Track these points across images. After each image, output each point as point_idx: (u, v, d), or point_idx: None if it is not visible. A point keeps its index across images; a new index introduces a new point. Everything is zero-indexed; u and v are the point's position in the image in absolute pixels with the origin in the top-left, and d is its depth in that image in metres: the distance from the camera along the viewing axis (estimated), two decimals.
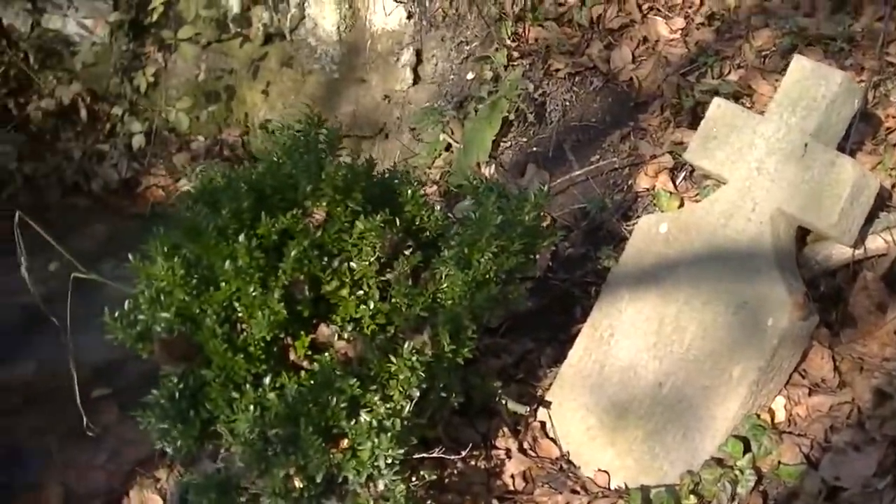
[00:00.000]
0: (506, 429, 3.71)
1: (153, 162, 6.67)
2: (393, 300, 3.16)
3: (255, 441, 2.99)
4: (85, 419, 4.42)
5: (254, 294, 3.03)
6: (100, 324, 4.22)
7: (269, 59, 6.38)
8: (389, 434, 2.95)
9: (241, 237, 3.07)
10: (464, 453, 3.48)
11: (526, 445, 3.71)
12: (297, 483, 2.97)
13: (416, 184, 3.45)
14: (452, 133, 5.20)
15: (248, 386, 3.02)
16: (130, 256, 3.30)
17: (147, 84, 6.56)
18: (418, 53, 5.93)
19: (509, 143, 5.12)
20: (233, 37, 6.62)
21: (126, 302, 3.27)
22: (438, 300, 3.21)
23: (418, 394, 3.08)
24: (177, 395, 3.10)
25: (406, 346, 3.01)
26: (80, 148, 6.63)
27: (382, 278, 3.23)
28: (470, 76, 5.42)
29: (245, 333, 3.08)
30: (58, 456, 4.65)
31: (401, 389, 3.03)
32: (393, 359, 3.03)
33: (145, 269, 3.18)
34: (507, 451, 3.67)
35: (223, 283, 3.10)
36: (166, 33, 6.51)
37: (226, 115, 6.75)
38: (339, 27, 6.20)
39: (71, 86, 6.63)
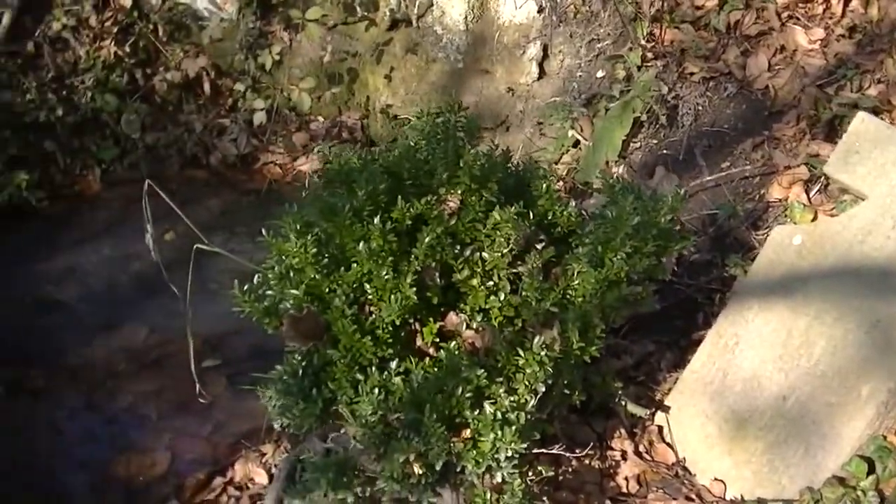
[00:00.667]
0: (622, 430, 3.68)
1: (272, 139, 6.69)
2: (523, 293, 3.10)
3: (375, 424, 2.95)
4: (198, 387, 4.47)
5: (386, 277, 3.01)
6: (211, 295, 4.28)
7: (394, 45, 6.29)
8: (514, 427, 2.90)
9: (377, 220, 3.02)
10: (581, 452, 3.41)
11: (642, 448, 3.67)
12: (416, 469, 2.92)
13: (550, 178, 3.35)
14: (581, 130, 5.10)
15: (373, 369, 2.99)
16: (263, 231, 3.24)
17: (272, 62, 6.54)
18: (545, 48, 5.86)
19: (639, 143, 5.06)
20: (359, 20, 6.61)
21: (254, 277, 3.23)
22: (568, 297, 3.17)
23: (543, 389, 3.01)
24: (300, 372, 3.06)
25: (536, 340, 2.95)
26: (202, 121, 6.67)
27: (513, 271, 3.16)
28: (600, 74, 5.35)
29: (374, 316, 3.04)
30: (165, 422, 4.62)
31: (527, 383, 2.99)
32: (521, 352, 2.97)
33: (278, 245, 3.13)
34: (623, 452, 3.63)
35: (354, 264, 3.07)
36: (294, 13, 6.53)
37: (347, 98, 6.75)
38: (466, 17, 6.15)
39: (197, 59, 6.67)
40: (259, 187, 6.29)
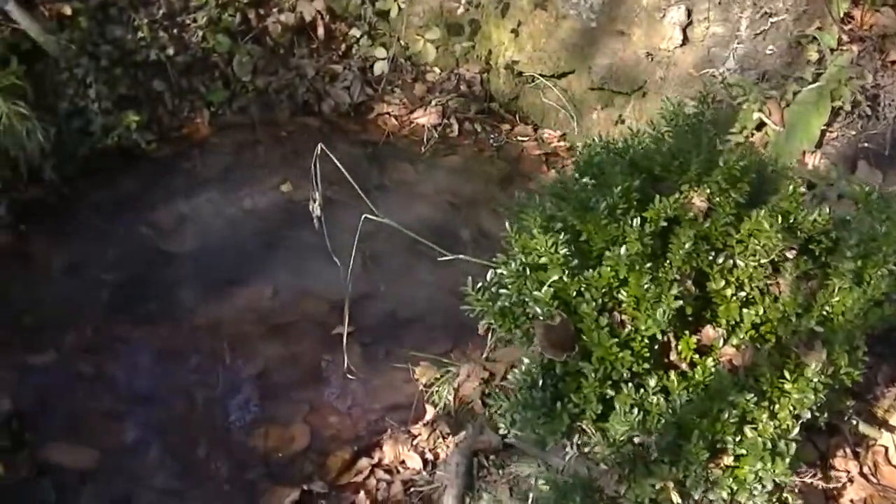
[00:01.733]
0: (846, 449, 3.45)
1: (386, 89, 6.32)
2: (782, 308, 2.83)
3: (624, 444, 2.70)
4: (346, 363, 4.39)
5: (646, 286, 2.72)
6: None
7: None
8: (785, 458, 2.64)
9: (635, 221, 2.75)
10: (807, 471, 3.18)
11: (866, 470, 3.43)
12: (674, 498, 2.68)
13: (797, 179, 3.07)
14: (770, 114, 4.79)
15: (629, 385, 2.72)
16: (507, 226, 2.95)
17: (397, 10, 6.20)
18: (689, 12, 5.49)
19: (835, 133, 4.75)
20: None
21: (489, 273, 2.96)
22: (827, 314, 2.88)
23: (808, 416, 2.76)
24: (540, 383, 2.80)
25: (813, 366, 2.68)
26: (314, 66, 6.39)
27: (769, 282, 2.89)
28: (770, 50, 5.01)
29: (628, 327, 2.78)
30: (300, 392, 4.39)
31: (791, 408, 2.72)
32: (787, 375, 2.70)
33: (522, 241, 2.86)
34: (848, 473, 3.37)
35: (606, 267, 2.79)
36: None
37: (466, 50, 6.41)
38: None
39: (312, 2, 6.30)
40: (374, 139, 6.03)
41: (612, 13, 5.88)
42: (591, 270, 2.81)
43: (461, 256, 3.95)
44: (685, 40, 5.63)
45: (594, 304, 2.76)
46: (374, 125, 6.37)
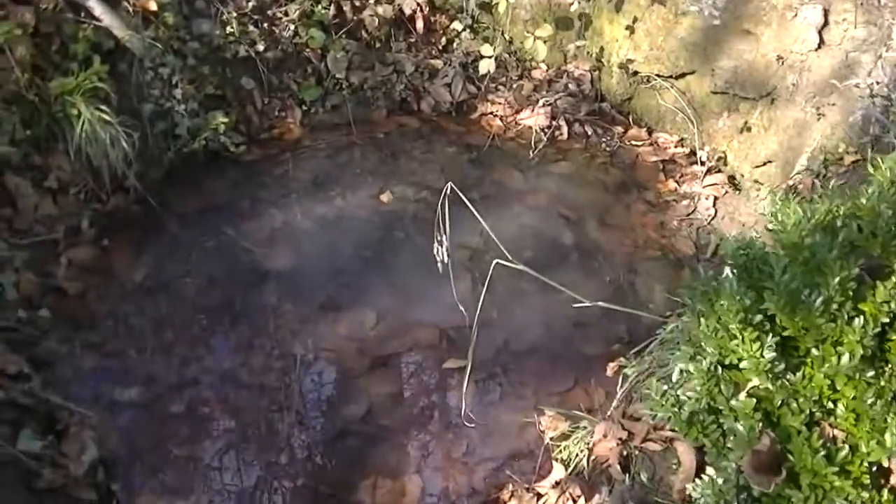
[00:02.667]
0: None
1: (489, 87, 5.85)
2: None
3: None
4: (464, 408, 4.11)
5: (868, 401, 2.23)
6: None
7: None
8: None
9: (856, 321, 2.26)
10: None
11: None
12: None
13: None
14: None
15: None
16: (687, 313, 2.49)
17: (505, 3, 5.71)
18: (825, 12, 4.96)
19: None
20: None
21: (675, 372, 2.49)
22: None
23: None
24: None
25: None
26: (412, 61, 5.97)
27: None
28: None
29: (845, 448, 2.30)
30: (411, 437, 3.99)
31: None
32: None
33: (717, 339, 2.37)
34: None
35: (818, 374, 2.31)
36: None
37: (576, 46, 5.92)
38: None
39: None
40: (478, 142, 5.72)
41: (738, 11, 5.40)
42: (797, 374, 2.31)
43: (600, 304, 3.50)
44: (821, 43, 5.09)
45: (802, 415, 2.27)
46: (478, 126, 5.95)
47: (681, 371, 2.52)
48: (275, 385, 4.41)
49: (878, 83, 4.75)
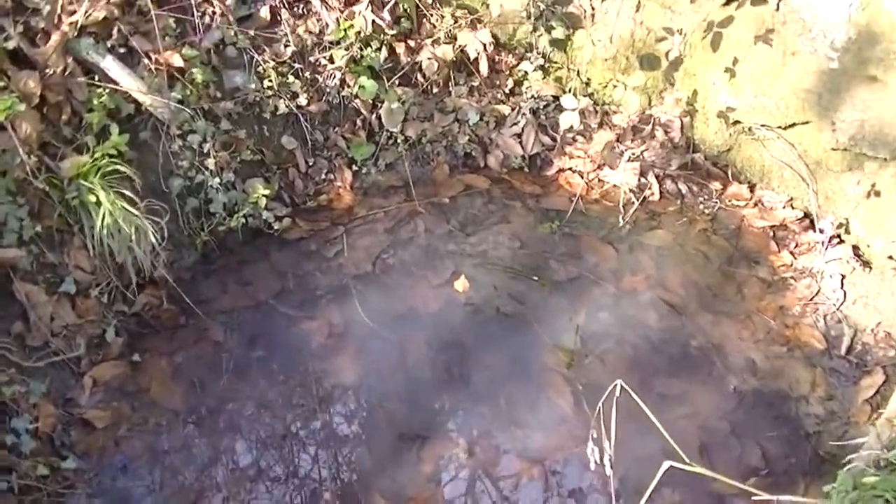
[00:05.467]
0: None
1: (566, 137, 4.97)
2: None
3: None
4: None
5: None
6: None
7: (737, 27, 4.73)
8: None
9: None
10: None
11: None
12: None
13: None
14: None
15: None
16: None
17: (574, 38, 4.85)
18: None
19: None
20: None
21: None
22: None
23: None
24: None
25: None
26: (476, 108, 5.04)
27: None
28: None
29: None
30: None
31: None
32: None
33: None
34: None
35: None
36: None
37: (663, 87, 5.07)
38: (850, 3, 4.41)
39: (478, 32, 4.95)
40: (559, 206, 5.04)
41: (862, 53, 4.57)
42: None
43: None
44: None
45: None
46: (556, 185, 5.14)
47: None
48: None
49: None
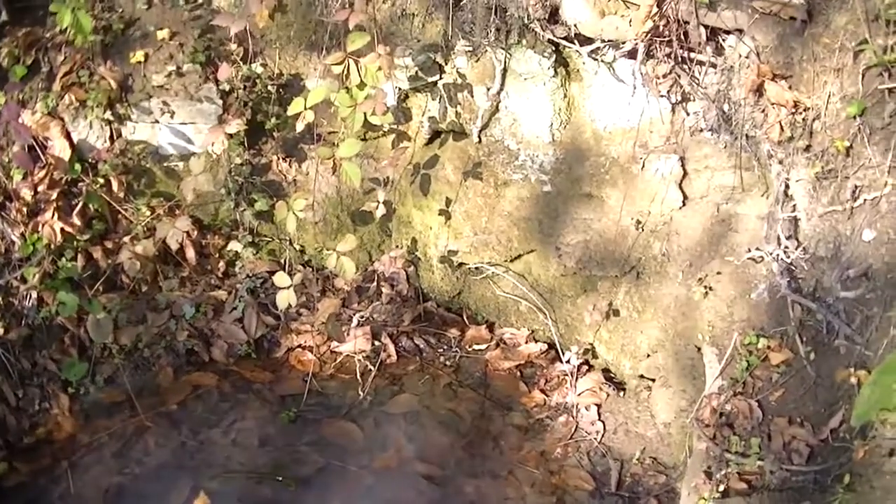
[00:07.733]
0: None
1: (290, 313, 4.68)
2: None
3: None
4: None
5: None
6: None
7: (443, 166, 4.50)
8: None
9: None
10: None
11: None
12: None
13: None
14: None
15: None
16: None
17: (278, 212, 4.56)
18: (682, 161, 4.03)
19: None
20: (382, 133, 4.71)
21: None
22: None
23: None
24: None
25: None
26: (191, 300, 4.64)
27: None
28: (869, 236, 3.55)
29: None
30: None
31: None
32: None
33: None
34: None
35: None
36: (291, 134, 4.88)
37: (380, 241, 4.82)
38: (552, 123, 4.27)
39: (174, 218, 4.60)
40: (293, 390, 4.69)
41: (573, 172, 4.50)
42: None
43: None
44: (685, 199, 4.11)
45: None
46: (288, 367, 4.82)
47: None
48: None
49: (771, 242, 3.81)
